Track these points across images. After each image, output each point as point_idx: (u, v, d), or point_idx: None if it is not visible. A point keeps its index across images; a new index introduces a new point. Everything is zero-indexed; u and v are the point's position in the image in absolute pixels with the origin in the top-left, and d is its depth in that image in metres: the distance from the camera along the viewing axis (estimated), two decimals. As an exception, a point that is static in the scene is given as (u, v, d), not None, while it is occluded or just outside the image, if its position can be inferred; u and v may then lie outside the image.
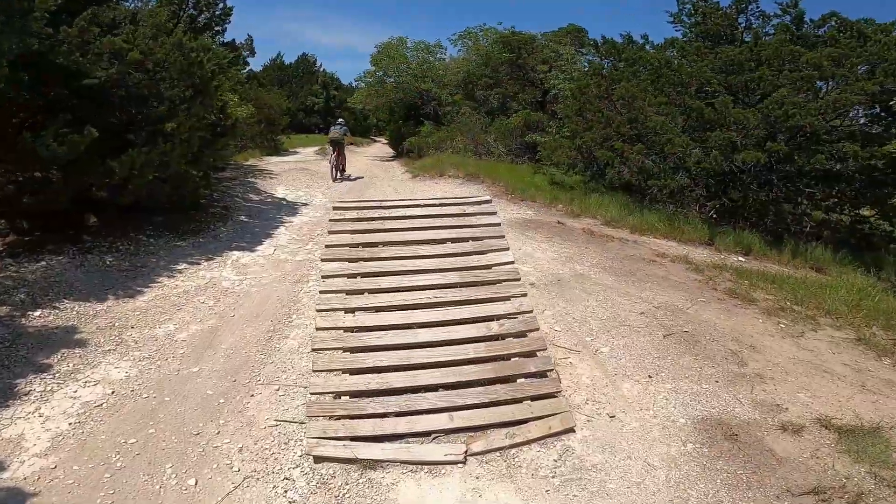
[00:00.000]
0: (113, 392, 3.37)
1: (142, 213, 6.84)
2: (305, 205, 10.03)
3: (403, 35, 20.97)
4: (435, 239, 4.41)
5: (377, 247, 4.23)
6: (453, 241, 4.42)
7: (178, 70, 6.10)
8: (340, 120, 13.97)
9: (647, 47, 10.57)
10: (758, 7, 9.64)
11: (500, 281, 4.03)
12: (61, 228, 5.77)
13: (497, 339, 3.63)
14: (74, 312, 4.38)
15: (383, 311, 3.73)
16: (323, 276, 3.91)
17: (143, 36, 5.83)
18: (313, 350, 3.42)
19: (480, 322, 3.71)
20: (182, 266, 5.82)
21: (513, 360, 3.51)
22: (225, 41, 10.14)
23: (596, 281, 5.68)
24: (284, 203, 10.06)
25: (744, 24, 9.86)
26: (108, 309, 4.54)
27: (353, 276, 3.90)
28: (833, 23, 8.44)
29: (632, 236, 7.72)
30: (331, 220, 4.42)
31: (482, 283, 4.02)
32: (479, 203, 4.93)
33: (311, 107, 33.76)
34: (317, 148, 21.48)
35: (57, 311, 4.34)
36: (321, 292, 3.77)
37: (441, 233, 4.47)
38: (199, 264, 5.97)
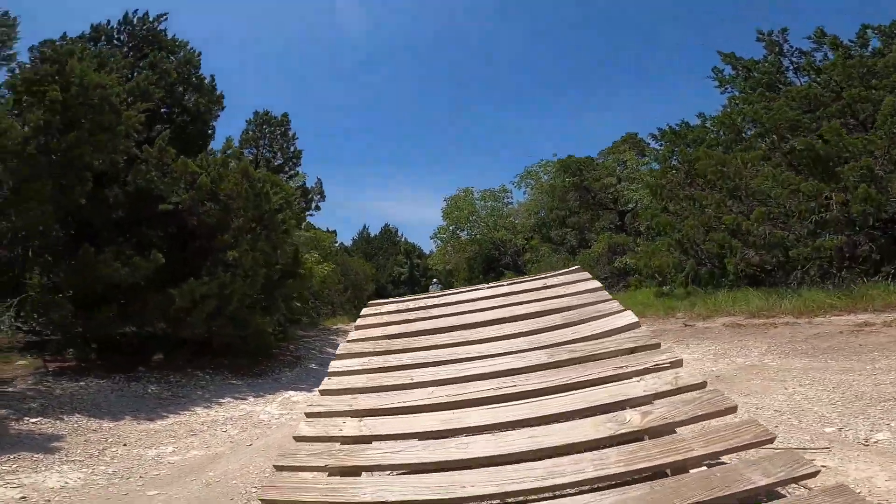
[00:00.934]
0: (33, 500, 2.78)
1: (209, 355, 6.41)
2: None
3: (469, 185, 22.39)
4: (502, 318, 3.12)
5: (416, 336, 2.99)
6: (531, 316, 3.08)
7: (243, 199, 6.25)
8: (435, 280, 15.48)
9: (707, 123, 9.72)
10: (792, 47, 8.75)
11: (622, 351, 2.51)
12: (119, 356, 5.39)
13: (637, 440, 1.98)
14: (74, 425, 3.88)
15: (413, 412, 2.30)
16: (330, 374, 2.67)
17: (214, 163, 6.20)
18: (275, 467, 2.04)
19: (599, 412, 2.13)
20: (226, 399, 5.05)
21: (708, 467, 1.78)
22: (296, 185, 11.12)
23: (781, 368, 3.96)
24: None
25: (789, 66, 8.88)
26: (115, 427, 3.96)
27: (375, 370, 2.63)
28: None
29: (799, 319, 5.63)
30: (360, 317, 3.32)
31: (587, 359, 2.53)
32: (567, 273, 3.67)
33: (397, 277, 35.92)
34: None
35: (55, 423, 3.88)
36: (320, 392, 2.50)
37: (514, 309, 3.18)
38: (244, 399, 5.13)
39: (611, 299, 3.12)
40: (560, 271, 3.76)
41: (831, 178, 6.12)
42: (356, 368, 2.63)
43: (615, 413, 2.07)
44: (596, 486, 1.79)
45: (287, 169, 9.78)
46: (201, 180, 6.00)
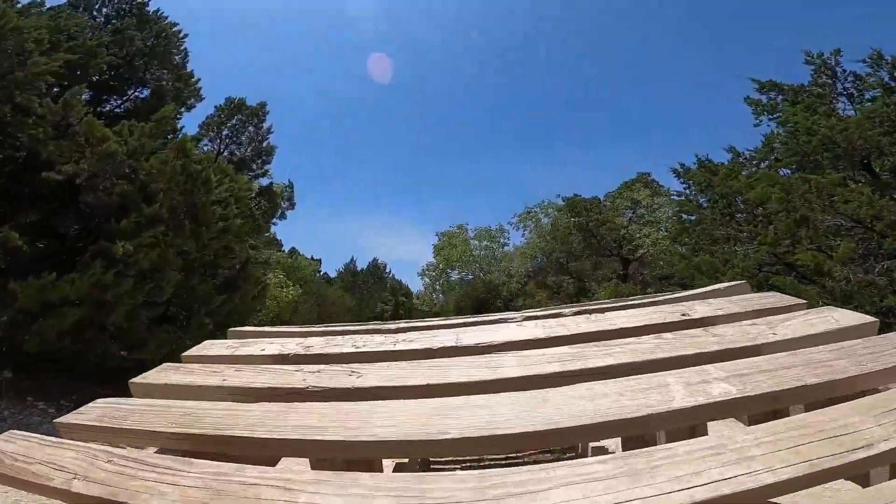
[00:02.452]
0: None
1: (80, 379, 4.60)
2: None
3: (463, 223, 20.97)
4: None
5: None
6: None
7: (168, 180, 4.73)
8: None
9: (745, 155, 8.47)
10: (845, 70, 7.63)
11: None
12: None
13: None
14: None
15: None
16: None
17: (140, 131, 4.71)
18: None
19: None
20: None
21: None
22: (264, 184, 9.50)
23: None
24: None
25: (841, 90, 7.72)
26: None
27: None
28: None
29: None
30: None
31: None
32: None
33: (380, 314, 33.92)
34: None
35: None
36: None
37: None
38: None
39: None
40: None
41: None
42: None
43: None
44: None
45: (255, 166, 8.35)
46: (109, 147, 4.50)
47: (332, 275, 36.99)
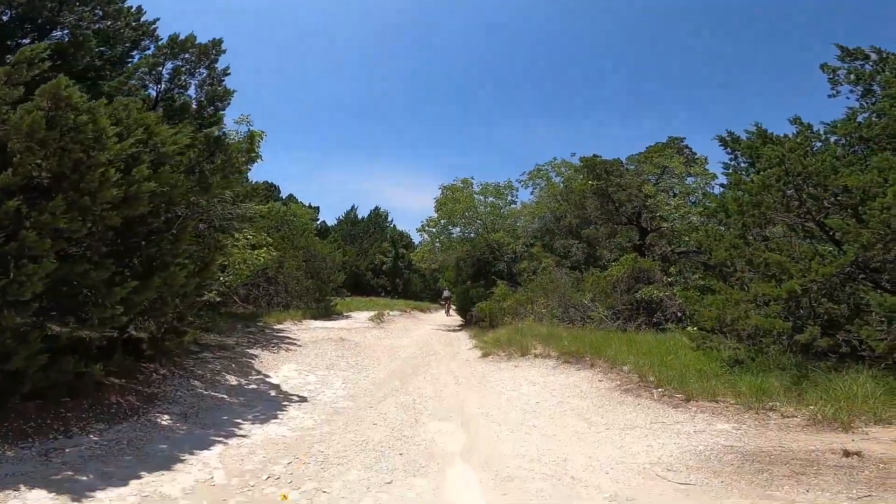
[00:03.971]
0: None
1: None
2: (303, 400, 6.26)
3: (468, 176, 19.17)
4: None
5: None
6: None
7: (25, 134, 3.29)
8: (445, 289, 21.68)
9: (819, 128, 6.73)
10: None
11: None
12: None
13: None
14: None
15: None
16: None
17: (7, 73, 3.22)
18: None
19: None
20: None
21: None
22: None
23: None
24: (270, 395, 6.34)
25: None
26: None
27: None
28: None
29: None
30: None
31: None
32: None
33: (379, 266, 32.91)
34: (373, 313, 17.79)
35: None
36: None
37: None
38: None
39: None
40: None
41: None
42: None
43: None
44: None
45: (206, 113, 6.74)
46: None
47: (332, 223, 35.70)
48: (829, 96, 7.61)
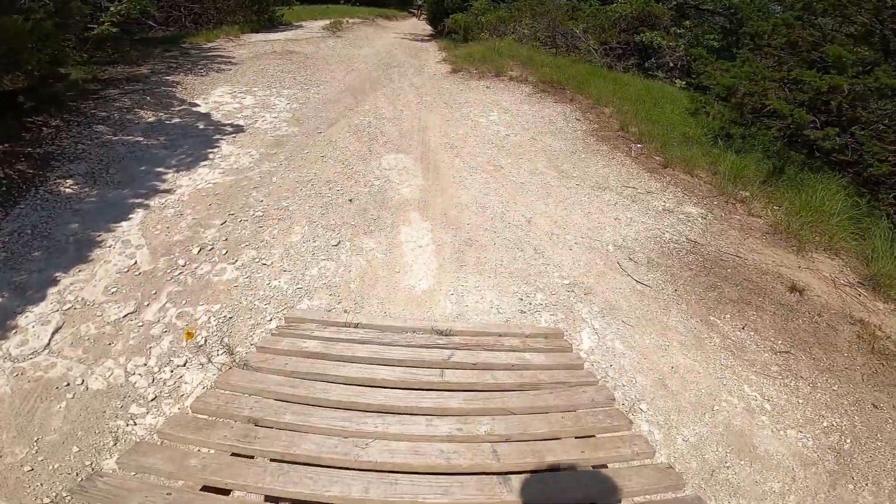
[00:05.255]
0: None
1: None
2: (238, 130, 5.41)
3: None
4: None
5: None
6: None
7: None
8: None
9: None
10: None
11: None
12: None
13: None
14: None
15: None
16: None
17: None
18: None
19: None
20: None
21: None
22: None
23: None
24: (197, 129, 5.35)
25: None
26: None
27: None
28: None
29: None
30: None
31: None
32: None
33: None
34: (328, 22, 15.32)
35: None
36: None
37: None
38: None
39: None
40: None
41: None
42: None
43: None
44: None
45: None
46: None
47: None
48: None
